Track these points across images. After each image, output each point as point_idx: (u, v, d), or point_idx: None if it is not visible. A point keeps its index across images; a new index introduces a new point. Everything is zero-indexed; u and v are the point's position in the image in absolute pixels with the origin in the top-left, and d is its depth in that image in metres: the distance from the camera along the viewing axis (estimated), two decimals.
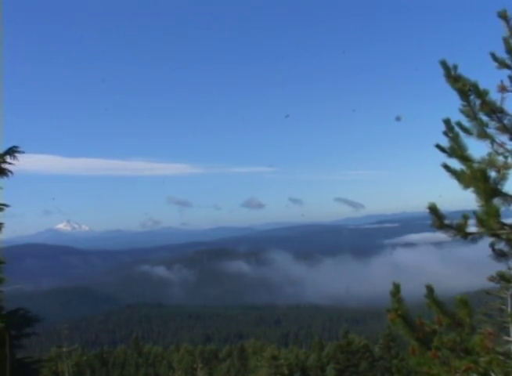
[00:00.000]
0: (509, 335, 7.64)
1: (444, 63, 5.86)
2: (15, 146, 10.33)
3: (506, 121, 5.83)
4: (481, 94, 5.67)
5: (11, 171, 10.38)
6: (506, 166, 5.52)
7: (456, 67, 5.85)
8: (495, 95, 5.75)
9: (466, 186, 5.53)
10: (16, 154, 10.28)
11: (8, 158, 10.26)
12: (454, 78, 5.82)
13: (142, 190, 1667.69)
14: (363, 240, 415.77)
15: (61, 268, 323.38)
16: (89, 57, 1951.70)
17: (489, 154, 5.68)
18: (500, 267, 6.77)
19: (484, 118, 5.85)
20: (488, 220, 5.39)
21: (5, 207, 10.21)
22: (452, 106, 6.21)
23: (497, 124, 5.84)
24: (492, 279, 13.33)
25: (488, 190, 5.31)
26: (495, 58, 5.87)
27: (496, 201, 5.42)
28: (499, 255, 6.13)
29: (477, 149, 5.89)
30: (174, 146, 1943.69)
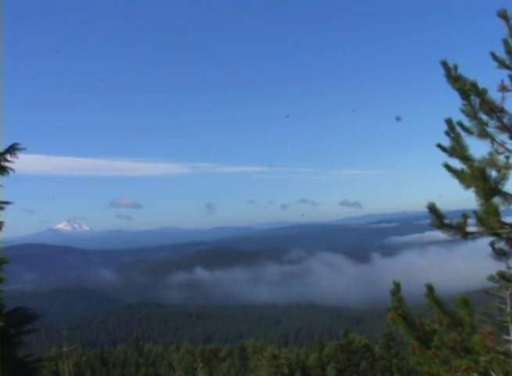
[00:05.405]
0: (509, 335, 7.64)
1: (445, 63, 5.88)
2: (15, 144, 10.30)
3: (505, 120, 5.84)
4: (480, 93, 5.68)
5: (12, 169, 10.36)
6: (507, 166, 5.52)
7: (456, 67, 5.87)
8: (496, 95, 5.77)
9: (467, 186, 5.54)
10: (17, 152, 10.25)
11: (8, 156, 10.24)
12: (454, 78, 5.83)
13: (124, 190, 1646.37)
14: (363, 239, 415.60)
15: (61, 268, 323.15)
16: (80, 57, 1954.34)
17: (490, 154, 5.69)
18: (500, 266, 6.78)
19: (485, 117, 5.86)
20: (488, 219, 5.40)
21: (5, 205, 10.19)
22: (452, 105, 6.24)
23: (497, 123, 5.86)
24: (491, 278, 13.34)
25: (488, 189, 5.31)
26: (495, 58, 5.88)
27: (496, 200, 5.43)
28: (499, 254, 6.14)
29: (478, 148, 5.92)
30: (163, 146, 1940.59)
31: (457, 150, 5.89)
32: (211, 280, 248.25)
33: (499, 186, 5.46)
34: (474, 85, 5.69)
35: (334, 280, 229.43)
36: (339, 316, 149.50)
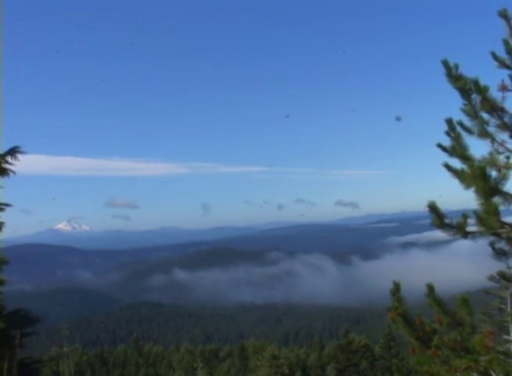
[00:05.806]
0: (509, 335, 7.64)
1: (446, 63, 5.88)
2: (16, 146, 10.34)
3: (506, 119, 5.83)
4: (482, 90, 5.68)
5: (13, 171, 10.38)
6: (508, 166, 5.52)
7: (457, 66, 5.86)
8: (496, 95, 5.76)
9: (467, 186, 5.54)
10: (18, 154, 10.28)
11: (9, 158, 10.26)
12: (455, 77, 5.83)
13: (124, 190, 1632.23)
14: (363, 239, 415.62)
15: (61, 268, 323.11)
16: (80, 57, 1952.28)
17: (490, 153, 5.68)
18: (500, 266, 6.78)
19: (485, 116, 5.86)
20: (488, 219, 5.40)
21: (5, 207, 10.20)
22: (452, 105, 6.24)
23: (497, 122, 5.85)
24: (491, 278, 13.34)
25: (488, 189, 5.31)
26: (495, 57, 5.88)
27: (496, 200, 5.43)
28: (500, 254, 6.14)
29: (479, 148, 5.92)
30: (163, 146, 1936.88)
31: (457, 149, 5.88)
32: (211, 280, 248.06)
33: (499, 186, 5.46)
34: (475, 83, 5.68)
35: (334, 280, 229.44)
36: (339, 316, 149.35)
